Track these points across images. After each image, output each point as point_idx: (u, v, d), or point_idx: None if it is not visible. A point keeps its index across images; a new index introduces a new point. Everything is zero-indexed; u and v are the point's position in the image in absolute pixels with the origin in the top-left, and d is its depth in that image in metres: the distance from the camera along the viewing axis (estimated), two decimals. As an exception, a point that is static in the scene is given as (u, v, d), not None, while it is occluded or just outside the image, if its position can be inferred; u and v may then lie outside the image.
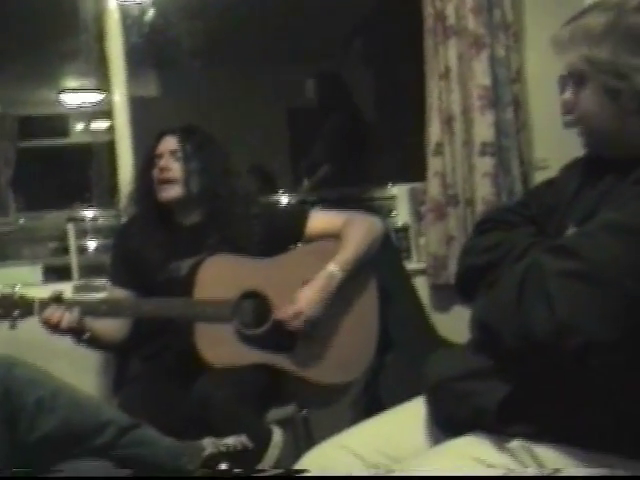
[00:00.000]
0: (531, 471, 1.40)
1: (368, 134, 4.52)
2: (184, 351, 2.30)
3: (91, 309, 2.25)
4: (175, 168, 2.43)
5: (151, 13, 4.07)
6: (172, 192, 2.43)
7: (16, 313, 2.14)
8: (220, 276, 2.36)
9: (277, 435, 2.13)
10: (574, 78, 1.49)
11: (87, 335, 2.27)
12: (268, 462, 2.05)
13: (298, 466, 1.66)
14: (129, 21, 3.34)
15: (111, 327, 2.39)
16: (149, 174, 2.48)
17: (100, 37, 3.31)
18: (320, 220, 2.50)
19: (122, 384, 2.52)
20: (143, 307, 2.33)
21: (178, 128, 2.52)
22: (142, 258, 2.45)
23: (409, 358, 2.70)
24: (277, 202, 3.62)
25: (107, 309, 2.29)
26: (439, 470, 1.43)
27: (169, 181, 2.43)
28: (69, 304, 2.20)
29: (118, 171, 3.25)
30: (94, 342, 2.34)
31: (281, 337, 2.34)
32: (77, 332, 2.24)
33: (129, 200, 2.61)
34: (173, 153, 2.45)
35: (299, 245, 2.54)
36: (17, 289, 2.18)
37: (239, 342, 2.32)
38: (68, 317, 2.17)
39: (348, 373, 2.44)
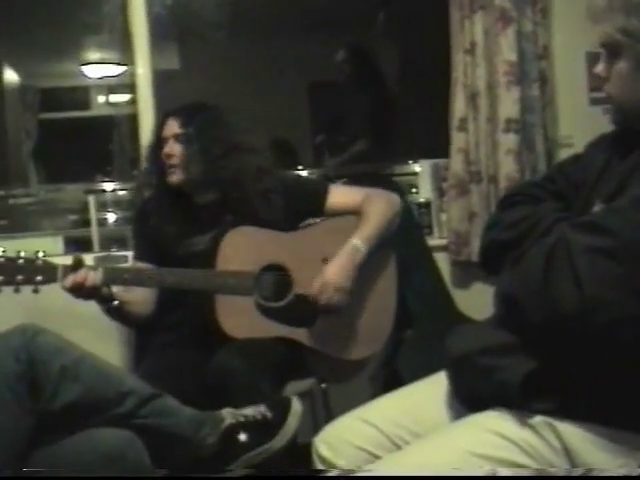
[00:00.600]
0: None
1: (393, 109, 4.49)
2: (205, 323, 2.31)
3: (114, 276, 2.25)
4: (178, 152, 2.43)
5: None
6: (175, 177, 2.44)
7: (39, 279, 2.12)
8: (242, 249, 2.36)
9: (296, 405, 2.11)
10: (608, 50, 1.47)
11: (115, 303, 2.27)
12: (287, 432, 2.04)
13: (317, 439, 1.67)
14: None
15: (139, 300, 2.40)
16: (159, 156, 2.48)
17: (123, 9, 3.30)
18: (340, 195, 2.50)
19: (144, 354, 2.53)
20: (166, 277, 2.32)
21: (182, 109, 2.50)
22: (161, 235, 2.46)
23: (429, 334, 2.70)
24: (298, 176, 3.60)
25: (130, 278, 2.28)
26: (460, 443, 1.43)
27: (173, 166, 2.44)
28: (92, 268, 2.20)
29: (139, 144, 3.25)
30: (121, 313, 2.35)
31: (301, 311, 2.35)
32: (103, 298, 2.25)
33: (141, 181, 2.62)
34: (176, 137, 2.45)
35: (319, 220, 2.54)
36: (40, 254, 2.16)
37: (259, 315, 2.33)
38: (92, 277, 2.16)
39: (366, 348, 2.45)
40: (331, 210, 2.48)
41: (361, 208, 2.44)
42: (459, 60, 3.04)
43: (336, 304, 2.32)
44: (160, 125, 2.51)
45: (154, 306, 2.46)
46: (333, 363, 2.42)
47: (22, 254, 2.13)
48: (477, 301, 2.93)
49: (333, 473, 1.59)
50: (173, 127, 2.46)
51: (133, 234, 2.62)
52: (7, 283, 2.10)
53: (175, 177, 2.44)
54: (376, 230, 2.40)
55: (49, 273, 2.13)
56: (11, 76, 4.99)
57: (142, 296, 2.42)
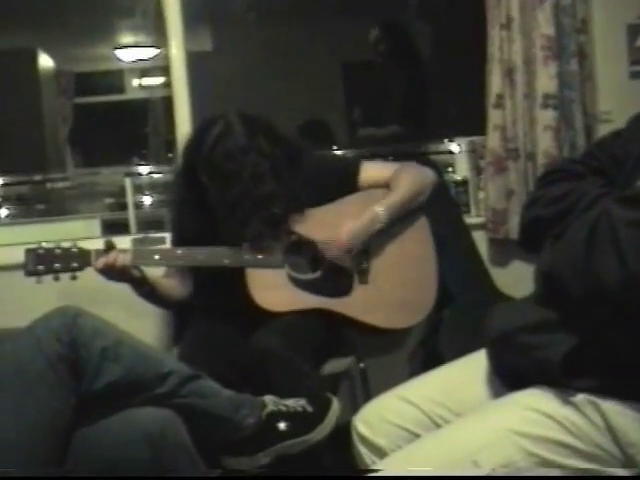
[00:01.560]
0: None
1: (428, 88, 4.46)
2: (240, 300, 2.30)
3: (145, 257, 2.29)
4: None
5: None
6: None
7: (75, 265, 2.22)
8: None
9: (336, 404, 2.13)
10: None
11: (147, 287, 2.31)
12: (325, 428, 2.05)
13: (356, 418, 1.66)
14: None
15: (173, 284, 2.43)
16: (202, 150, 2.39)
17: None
18: (372, 170, 2.51)
19: (182, 334, 2.55)
20: (196, 256, 2.34)
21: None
22: (197, 214, 2.45)
23: (467, 312, 2.69)
24: (330, 155, 3.57)
25: (160, 258, 2.32)
26: (501, 422, 1.42)
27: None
28: (122, 251, 2.26)
29: (175, 126, 3.26)
30: (155, 296, 2.38)
31: (336, 282, 2.37)
32: (134, 279, 2.28)
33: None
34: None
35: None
36: (74, 243, 2.27)
37: (294, 287, 2.35)
38: (121, 258, 2.22)
39: (407, 318, 2.45)
40: (364, 186, 2.49)
41: (391, 180, 2.46)
42: (495, 35, 2.99)
43: (335, 260, 2.36)
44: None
45: (189, 289, 2.48)
46: (372, 337, 2.44)
47: (58, 244, 2.25)
48: (515, 279, 2.90)
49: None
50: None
51: (171, 217, 2.63)
52: (47, 272, 2.22)
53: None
54: (400, 199, 2.42)
55: (83, 258, 2.23)
56: (46, 61, 5.03)
57: (176, 279, 2.45)
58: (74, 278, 2.23)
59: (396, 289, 2.44)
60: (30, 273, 2.23)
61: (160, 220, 3.55)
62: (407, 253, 2.47)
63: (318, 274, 2.38)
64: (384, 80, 4.42)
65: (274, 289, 2.32)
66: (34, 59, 4.92)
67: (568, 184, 1.55)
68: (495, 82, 2.99)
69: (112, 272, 2.23)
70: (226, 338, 2.34)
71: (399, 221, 2.44)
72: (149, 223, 3.65)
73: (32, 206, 4.60)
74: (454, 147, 3.36)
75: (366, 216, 2.38)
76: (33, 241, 2.32)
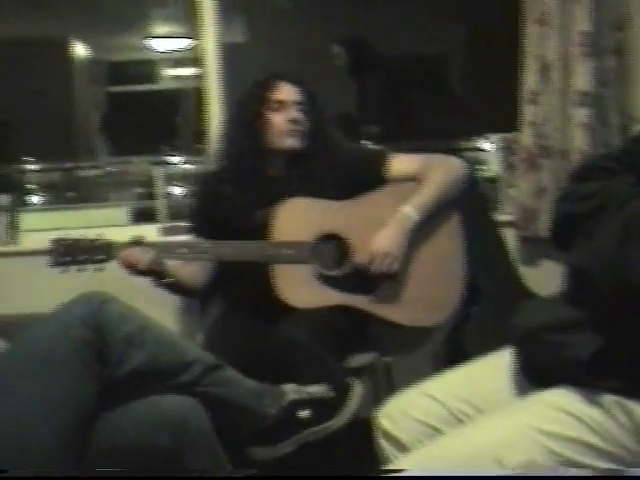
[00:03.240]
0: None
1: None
2: (264, 293, 2.29)
3: (169, 251, 2.29)
4: (302, 120, 2.44)
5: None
6: (296, 143, 2.44)
7: (100, 257, 2.23)
8: (297, 219, 2.37)
9: (357, 387, 2.13)
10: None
11: (168, 280, 2.31)
12: (347, 413, 2.05)
13: (379, 413, 1.65)
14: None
15: (192, 272, 2.42)
16: (261, 119, 2.44)
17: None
18: (400, 162, 2.48)
19: (205, 322, 2.57)
20: (222, 249, 2.33)
21: (293, 76, 2.50)
22: (227, 206, 2.45)
23: (496, 309, 2.66)
24: (358, 147, 3.56)
25: (187, 251, 2.32)
26: (526, 420, 1.40)
27: (295, 131, 2.43)
28: (148, 245, 2.26)
29: (206, 118, 3.26)
30: (174, 286, 2.37)
31: (363, 279, 2.34)
32: (156, 274, 2.28)
33: (227, 142, 2.57)
34: (297, 104, 2.44)
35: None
36: (100, 234, 2.28)
37: (320, 283, 2.33)
38: (144, 255, 2.23)
39: (434, 316, 2.42)
40: (392, 178, 2.46)
41: (420, 174, 2.43)
42: (531, 31, 2.96)
43: (387, 271, 2.32)
44: (268, 88, 2.46)
45: (208, 276, 2.47)
46: (398, 333, 2.41)
47: (84, 236, 2.26)
48: (545, 277, 2.88)
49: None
50: (292, 93, 2.45)
51: (194, 206, 2.61)
52: (72, 263, 2.24)
53: (297, 143, 2.43)
54: (431, 196, 2.39)
55: (109, 251, 2.24)
56: (80, 50, 5.06)
57: (195, 270, 2.43)
58: (99, 270, 2.24)
59: (422, 286, 2.40)
60: (56, 264, 2.24)
61: (188, 210, 3.55)
62: (435, 249, 2.43)
63: (344, 270, 2.36)
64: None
65: (299, 285, 2.31)
66: (67, 47, 4.96)
67: (600, 181, 1.52)
68: (530, 78, 2.96)
69: (134, 268, 2.24)
70: (250, 327, 2.34)
71: (430, 215, 2.40)
72: (177, 213, 3.66)
73: (62, 193, 4.64)
74: (486, 144, 3.34)
75: (396, 220, 2.35)
76: (63, 227, 2.34)
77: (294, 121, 2.43)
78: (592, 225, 1.42)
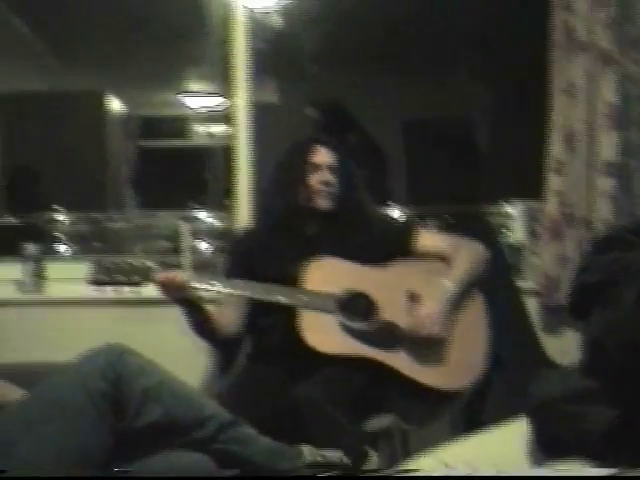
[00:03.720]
0: None
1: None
2: (289, 341, 2.34)
3: (202, 280, 2.34)
4: (334, 182, 2.56)
5: (275, 19, 4.13)
6: (327, 203, 2.54)
7: (135, 278, 2.29)
8: (326, 275, 2.45)
9: (373, 457, 2.15)
10: None
11: (200, 313, 2.37)
12: None
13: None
14: (254, 26, 3.39)
15: (225, 317, 2.47)
16: (300, 181, 2.56)
17: (224, 42, 3.38)
18: (429, 239, 2.59)
19: (225, 370, 2.62)
20: (254, 287, 2.40)
21: (330, 140, 2.65)
22: (261, 259, 2.54)
23: (515, 377, 2.64)
24: (389, 216, 3.62)
25: (217, 283, 2.37)
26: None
27: (326, 193, 2.54)
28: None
29: (234, 175, 3.31)
30: (206, 325, 2.41)
31: (386, 335, 2.39)
32: (190, 301, 2.33)
33: (265, 200, 2.75)
34: (330, 167, 2.57)
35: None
36: (138, 258, 2.36)
37: (344, 333, 2.37)
38: (181, 275, 2.29)
39: (457, 380, 2.44)
40: (418, 253, 2.56)
41: (449, 255, 2.52)
42: (557, 101, 2.99)
43: (437, 335, 2.39)
44: (306, 151, 2.59)
45: (238, 325, 2.52)
46: (416, 397, 2.42)
47: (124, 260, 2.34)
48: (567, 347, 2.85)
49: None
50: (326, 157, 2.58)
51: (227, 260, 2.69)
52: (109, 283, 2.30)
53: (326, 203, 2.54)
54: (465, 276, 2.48)
55: (144, 273, 2.29)
56: (114, 104, 5.17)
57: (228, 311, 2.49)
58: (133, 292, 2.31)
59: (445, 350, 2.44)
60: (94, 282, 2.30)
61: (214, 265, 3.58)
62: (459, 318, 2.47)
63: (368, 325, 2.40)
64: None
65: (324, 331, 2.36)
66: (102, 101, 5.06)
67: (618, 253, 1.52)
68: (555, 147, 2.98)
69: (171, 287, 2.28)
70: (270, 384, 2.36)
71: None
72: (202, 268, 3.68)
73: (90, 243, 4.68)
74: (510, 209, 3.35)
75: (440, 291, 2.44)
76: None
77: (326, 183, 2.54)
78: (609, 296, 1.42)
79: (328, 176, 2.55)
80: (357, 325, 2.39)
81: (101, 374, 1.81)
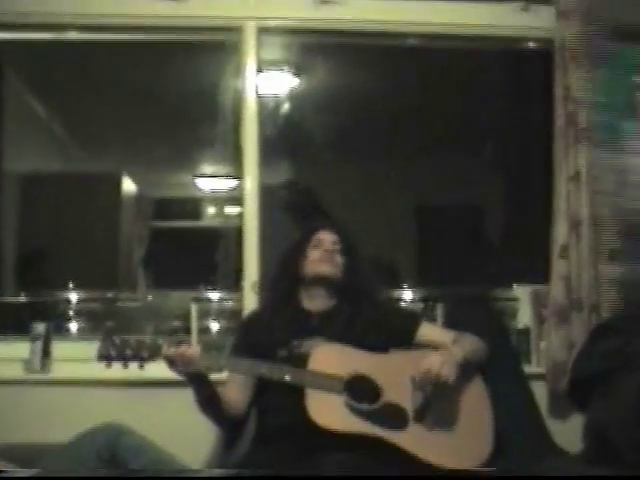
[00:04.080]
0: None
1: (486, 235, 4.52)
2: (295, 427, 2.35)
3: (212, 360, 2.39)
4: (336, 251, 2.66)
5: (286, 106, 4.23)
6: (330, 270, 2.63)
7: (145, 355, 2.31)
8: (332, 359, 2.47)
9: None
10: None
11: (209, 390, 2.38)
12: None
13: None
14: (265, 112, 3.47)
15: (233, 396, 2.50)
16: (303, 254, 2.67)
17: (236, 126, 3.46)
18: (431, 331, 2.67)
19: (231, 445, 2.63)
20: (261, 366, 2.42)
21: (335, 225, 2.75)
22: (266, 336, 2.58)
23: (522, 466, 2.59)
24: (393, 302, 3.67)
25: (226, 362, 2.45)
26: None
27: (331, 261, 2.63)
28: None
29: (244, 256, 3.34)
30: (214, 403, 2.42)
31: (392, 417, 2.41)
32: (199, 375, 2.35)
33: (271, 282, 2.80)
34: (334, 242, 2.68)
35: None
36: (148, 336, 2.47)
37: (350, 413, 2.38)
38: (192, 349, 2.31)
39: (463, 461, 2.41)
40: (419, 342, 2.62)
41: (448, 345, 2.54)
42: (562, 188, 3.03)
43: (452, 378, 2.39)
44: (308, 235, 2.71)
45: (245, 406, 2.55)
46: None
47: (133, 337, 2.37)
48: (575, 433, 2.80)
49: None
50: (329, 235, 2.69)
51: (235, 339, 2.73)
52: (118, 359, 2.30)
53: (329, 269, 2.62)
54: (467, 351, 2.50)
55: (154, 350, 2.32)
56: (129, 186, 5.26)
57: (236, 395, 2.52)
58: (142, 367, 2.32)
59: (451, 434, 2.45)
60: (102, 357, 2.30)
61: (224, 346, 3.58)
62: (463, 404, 2.50)
63: (375, 406, 2.42)
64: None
65: (329, 409, 2.37)
66: (119, 183, 5.14)
67: (618, 341, 1.53)
68: (561, 233, 3.01)
69: (180, 362, 2.30)
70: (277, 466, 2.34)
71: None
72: (213, 349, 3.68)
73: (101, 322, 4.69)
74: (518, 293, 3.35)
75: (449, 352, 2.46)
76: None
77: (329, 251, 2.63)
78: (610, 384, 1.42)
79: (330, 246, 2.65)
80: (363, 406, 2.40)
81: (97, 454, 1.82)
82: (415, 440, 2.40)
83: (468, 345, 2.54)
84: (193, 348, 2.34)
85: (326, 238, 2.70)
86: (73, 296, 4.71)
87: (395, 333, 2.62)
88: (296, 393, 2.38)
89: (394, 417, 2.42)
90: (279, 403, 2.46)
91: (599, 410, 1.42)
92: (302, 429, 2.32)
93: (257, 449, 2.51)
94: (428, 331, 2.65)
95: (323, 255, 2.65)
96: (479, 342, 2.60)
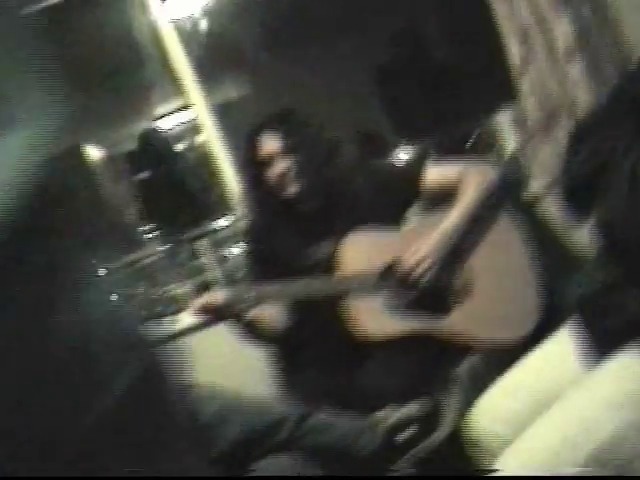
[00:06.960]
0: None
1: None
2: (337, 333, 2.32)
3: (239, 299, 2.28)
4: (288, 167, 2.43)
5: (204, 22, 4.13)
6: (293, 189, 2.43)
7: (173, 308, 2.25)
8: (361, 250, 2.39)
9: (450, 398, 2.15)
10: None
11: (246, 321, 2.31)
12: (447, 424, 2.06)
13: (471, 415, 1.66)
14: (186, 34, 3.39)
15: (271, 315, 2.41)
16: (261, 176, 2.48)
17: (165, 60, 3.38)
18: (435, 174, 2.49)
19: (289, 371, 2.59)
20: (289, 289, 2.35)
21: (273, 120, 2.48)
22: (276, 252, 2.50)
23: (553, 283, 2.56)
24: (390, 165, 3.61)
25: (255, 296, 2.31)
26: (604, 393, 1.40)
27: (287, 181, 2.44)
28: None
29: (222, 178, 3.31)
30: (256, 331, 2.36)
31: (432, 304, 2.34)
32: (235, 314, 2.28)
33: (247, 205, 2.66)
34: (280, 154, 2.43)
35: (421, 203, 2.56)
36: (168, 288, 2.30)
37: (391, 312, 2.32)
38: (218, 295, 2.25)
39: (517, 327, 2.33)
40: (428, 192, 2.50)
41: (456, 187, 2.45)
42: (501, 4, 2.96)
43: (423, 277, 2.33)
44: (254, 143, 2.48)
45: (288, 320, 2.46)
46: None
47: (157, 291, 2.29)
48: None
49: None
50: (273, 144, 2.44)
51: (248, 260, 2.63)
52: (150, 317, 2.23)
53: (293, 189, 2.44)
54: (468, 210, 2.41)
55: (182, 302, 2.25)
56: (95, 153, 5.21)
57: (274, 313, 2.43)
58: (172, 323, 2.30)
59: (496, 303, 2.36)
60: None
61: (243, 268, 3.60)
62: (500, 262, 2.41)
63: (412, 295, 2.35)
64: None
65: (370, 316, 2.30)
66: (82, 154, 5.10)
67: (598, 137, 1.51)
68: (514, 51, 2.96)
69: (210, 310, 2.26)
70: (330, 374, 2.36)
71: (482, 231, 2.43)
72: (234, 275, 3.69)
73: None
74: (498, 120, 3.32)
75: (436, 234, 2.38)
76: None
77: (282, 175, 2.43)
78: (604, 181, 1.44)
79: (281, 165, 2.43)
80: (401, 300, 2.35)
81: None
82: (461, 323, 2.32)
83: (472, 190, 2.43)
84: (219, 294, 2.27)
85: (271, 149, 2.44)
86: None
87: (400, 191, 2.50)
88: (332, 304, 2.33)
89: (435, 303, 2.34)
90: (319, 320, 2.41)
91: (601, 208, 1.44)
92: (346, 340, 2.28)
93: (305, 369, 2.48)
94: (432, 176, 2.48)
95: (279, 179, 2.44)
96: (486, 171, 2.51)
